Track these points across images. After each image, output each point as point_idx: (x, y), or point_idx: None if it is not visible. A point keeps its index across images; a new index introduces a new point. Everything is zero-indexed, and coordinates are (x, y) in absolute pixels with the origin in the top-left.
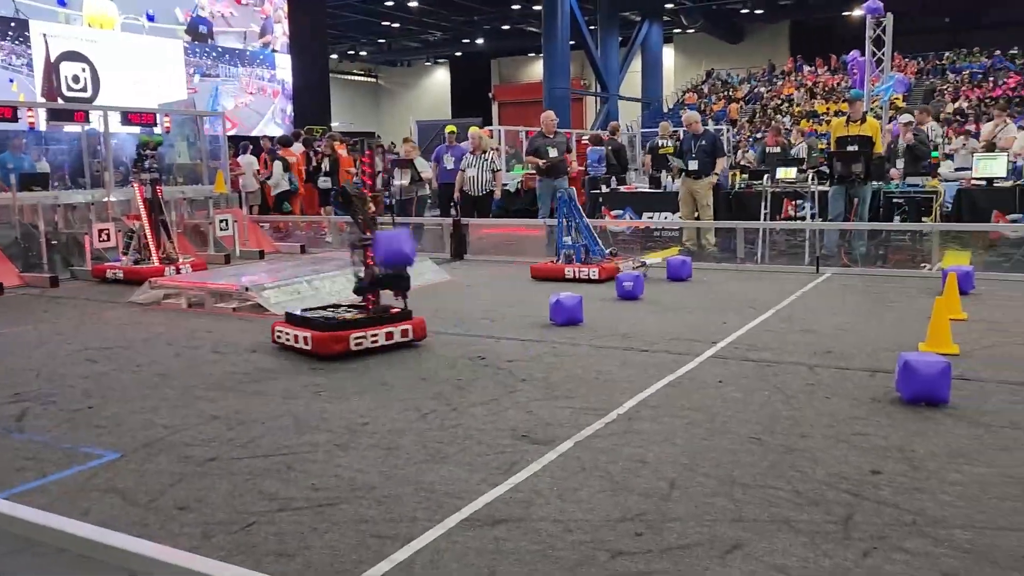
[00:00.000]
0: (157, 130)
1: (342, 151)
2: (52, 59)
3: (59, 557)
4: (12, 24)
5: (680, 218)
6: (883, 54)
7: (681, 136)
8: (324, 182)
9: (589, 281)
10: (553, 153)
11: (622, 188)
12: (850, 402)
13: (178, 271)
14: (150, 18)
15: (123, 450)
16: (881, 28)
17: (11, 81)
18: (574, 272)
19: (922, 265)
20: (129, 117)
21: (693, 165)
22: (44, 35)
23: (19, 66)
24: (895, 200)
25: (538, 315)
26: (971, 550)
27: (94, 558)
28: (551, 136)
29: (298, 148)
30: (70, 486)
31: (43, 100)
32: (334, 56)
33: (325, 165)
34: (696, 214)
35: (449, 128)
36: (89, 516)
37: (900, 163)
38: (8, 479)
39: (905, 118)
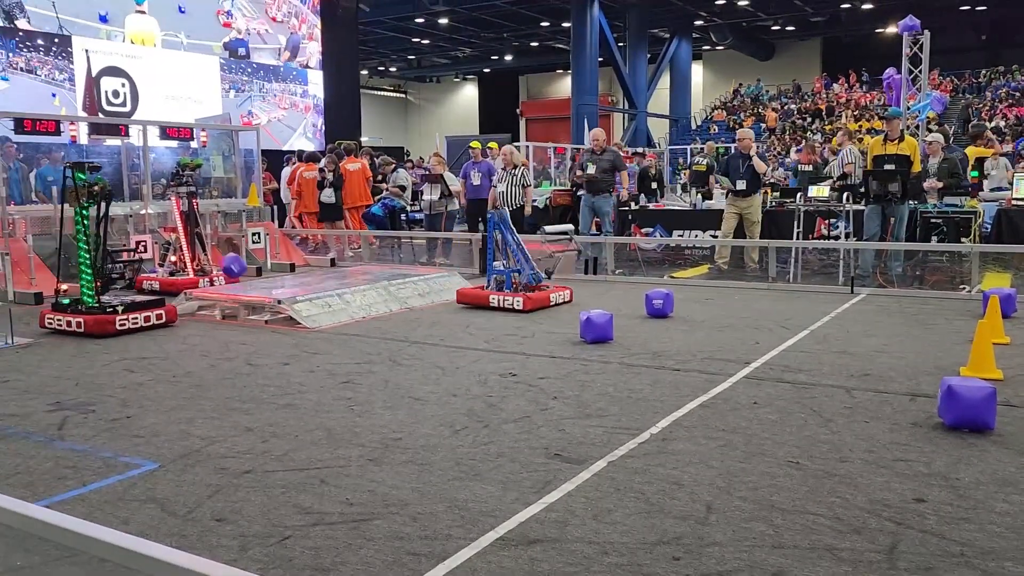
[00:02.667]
0: (193, 144)
1: (354, 165)
2: (93, 74)
3: (99, 567)
4: (56, 40)
5: (721, 234)
6: (920, 72)
7: (728, 154)
8: (327, 196)
9: (513, 311)
10: (591, 169)
11: (651, 205)
12: (890, 426)
13: (212, 283)
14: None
15: (161, 460)
16: (918, 46)
17: (53, 96)
18: (498, 300)
19: (962, 287)
20: (167, 131)
21: (741, 185)
22: (86, 51)
23: (61, 81)
24: (932, 220)
25: (568, 332)
26: None
27: (134, 568)
28: (598, 153)
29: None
30: (110, 495)
31: (84, 114)
32: (364, 72)
33: (328, 179)
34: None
35: (473, 144)
36: (129, 526)
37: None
38: (49, 487)
39: (933, 137)
